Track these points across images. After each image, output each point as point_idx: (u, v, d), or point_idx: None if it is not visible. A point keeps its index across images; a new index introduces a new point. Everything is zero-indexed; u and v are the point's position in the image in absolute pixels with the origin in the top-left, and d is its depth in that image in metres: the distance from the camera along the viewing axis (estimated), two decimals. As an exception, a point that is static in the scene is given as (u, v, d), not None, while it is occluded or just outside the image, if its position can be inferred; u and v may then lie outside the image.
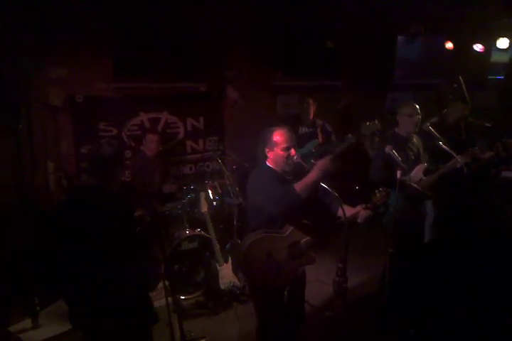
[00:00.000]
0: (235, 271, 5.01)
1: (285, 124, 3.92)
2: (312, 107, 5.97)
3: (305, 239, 3.34)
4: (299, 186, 3.24)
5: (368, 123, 4.91)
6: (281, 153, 3.35)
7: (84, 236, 2.86)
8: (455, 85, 6.39)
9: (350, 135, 5.40)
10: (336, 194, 3.23)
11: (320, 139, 5.85)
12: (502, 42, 7.07)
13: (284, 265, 3.33)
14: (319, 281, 5.21)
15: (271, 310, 3.49)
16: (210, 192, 5.39)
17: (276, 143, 3.36)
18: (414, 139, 4.74)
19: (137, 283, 3.04)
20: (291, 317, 3.63)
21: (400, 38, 7.60)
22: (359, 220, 3.39)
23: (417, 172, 4.48)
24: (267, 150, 3.40)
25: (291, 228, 3.34)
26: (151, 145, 5.42)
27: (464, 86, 6.31)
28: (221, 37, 6.32)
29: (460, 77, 6.15)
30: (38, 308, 3.76)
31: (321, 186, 3.28)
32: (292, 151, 3.35)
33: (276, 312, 3.48)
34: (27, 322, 3.72)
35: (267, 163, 3.46)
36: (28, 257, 4.47)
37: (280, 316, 3.49)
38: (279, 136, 3.36)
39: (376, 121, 4.91)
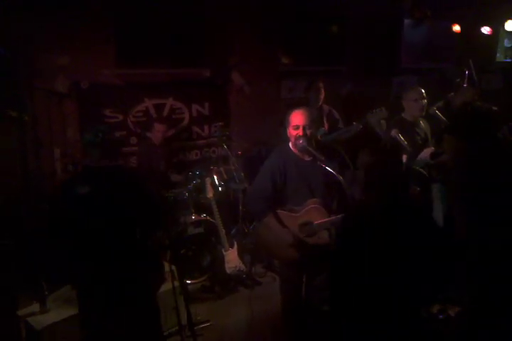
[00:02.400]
0: (240, 255, 5.05)
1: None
2: (322, 92, 5.74)
3: (319, 221, 3.36)
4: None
5: (374, 111, 4.85)
6: (292, 131, 3.42)
7: (102, 212, 2.97)
8: (465, 69, 6.31)
9: (355, 123, 5.30)
10: None
11: (326, 127, 5.72)
12: (510, 25, 6.97)
13: (294, 240, 3.37)
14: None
15: (285, 288, 3.61)
16: (215, 177, 5.38)
17: (289, 122, 3.45)
18: (422, 123, 4.72)
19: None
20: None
21: (406, 21, 7.50)
22: None
23: (424, 156, 4.45)
24: (287, 129, 3.48)
25: (308, 208, 3.39)
26: (157, 134, 5.46)
27: (473, 70, 6.25)
28: (226, 22, 6.27)
29: (470, 61, 6.07)
30: (46, 293, 3.79)
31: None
32: (300, 131, 3.35)
33: (290, 291, 3.58)
34: (35, 307, 3.75)
35: (289, 143, 3.53)
36: (35, 243, 4.52)
37: (294, 297, 3.57)
38: (293, 115, 3.44)
39: (383, 109, 4.86)
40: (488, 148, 2.86)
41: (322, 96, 5.73)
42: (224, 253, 4.93)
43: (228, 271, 4.92)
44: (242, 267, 5.01)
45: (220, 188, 5.42)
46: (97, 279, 3.01)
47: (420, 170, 4.48)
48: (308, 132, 3.38)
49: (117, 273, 3.00)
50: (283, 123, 3.60)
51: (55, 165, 5.35)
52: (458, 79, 6.42)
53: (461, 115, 3.25)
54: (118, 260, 3.01)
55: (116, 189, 3.02)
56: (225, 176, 5.63)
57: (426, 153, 4.46)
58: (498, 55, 7.99)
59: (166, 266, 3.97)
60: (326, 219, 3.36)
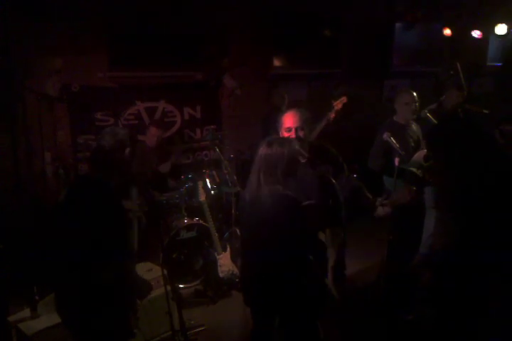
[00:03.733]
0: (233, 259, 5.02)
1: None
2: (285, 98, 6.21)
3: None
4: None
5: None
6: (284, 133, 3.38)
7: (72, 230, 2.75)
8: (451, 72, 6.36)
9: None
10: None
11: None
12: (500, 29, 7.03)
13: None
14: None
15: None
16: (207, 181, 5.37)
17: (282, 124, 3.40)
18: (413, 126, 4.72)
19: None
20: None
21: (397, 25, 7.55)
22: (375, 215, 3.46)
23: (418, 158, 4.45)
24: (280, 132, 3.44)
25: None
26: (152, 138, 5.43)
27: (461, 73, 6.29)
28: (218, 25, 6.27)
29: (457, 64, 6.11)
30: (37, 298, 3.75)
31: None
32: (292, 133, 3.33)
33: None
34: (26, 312, 3.70)
35: None
36: (26, 247, 4.47)
37: None
38: (285, 117, 3.40)
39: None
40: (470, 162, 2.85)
41: (286, 101, 6.19)
42: (217, 257, 4.90)
43: (221, 274, 4.89)
44: (235, 271, 4.99)
45: (212, 192, 5.41)
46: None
47: (414, 171, 4.47)
48: (301, 134, 3.34)
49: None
50: (275, 128, 3.56)
51: (45, 168, 5.29)
52: (447, 82, 6.48)
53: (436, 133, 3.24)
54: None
55: (83, 200, 2.81)
56: (217, 179, 5.61)
57: (419, 155, 4.46)
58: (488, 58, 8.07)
59: (159, 271, 3.94)
60: None
